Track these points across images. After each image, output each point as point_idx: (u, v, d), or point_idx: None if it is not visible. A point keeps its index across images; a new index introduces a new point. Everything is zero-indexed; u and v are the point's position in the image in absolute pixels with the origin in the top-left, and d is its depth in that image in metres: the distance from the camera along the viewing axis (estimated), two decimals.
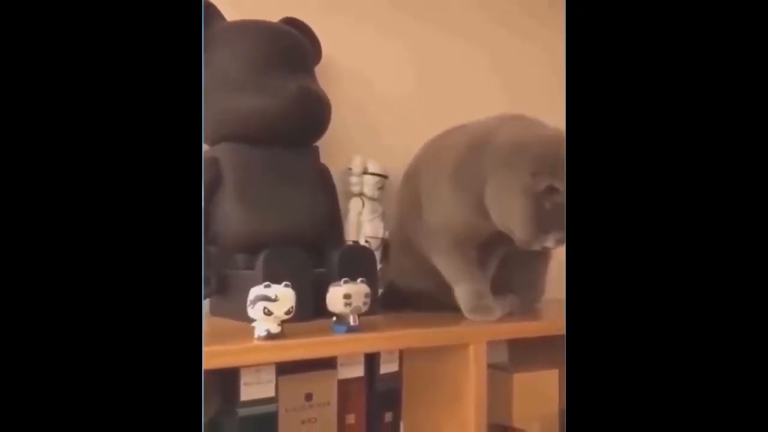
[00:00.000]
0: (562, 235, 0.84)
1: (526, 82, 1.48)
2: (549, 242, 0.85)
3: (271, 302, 0.70)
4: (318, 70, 1.06)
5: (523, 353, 1.18)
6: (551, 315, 1.03)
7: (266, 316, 0.70)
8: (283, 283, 0.72)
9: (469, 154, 0.90)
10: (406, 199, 1.02)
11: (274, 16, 1.01)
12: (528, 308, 1.02)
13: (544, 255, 1.04)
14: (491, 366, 0.98)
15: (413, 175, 1.00)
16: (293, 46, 0.97)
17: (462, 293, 0.94)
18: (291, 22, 1.03)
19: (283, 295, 0.70)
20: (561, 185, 0.80)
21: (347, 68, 1.20)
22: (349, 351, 0.86)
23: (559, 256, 1.05)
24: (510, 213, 0.84)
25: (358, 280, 0.79)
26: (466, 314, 0.93)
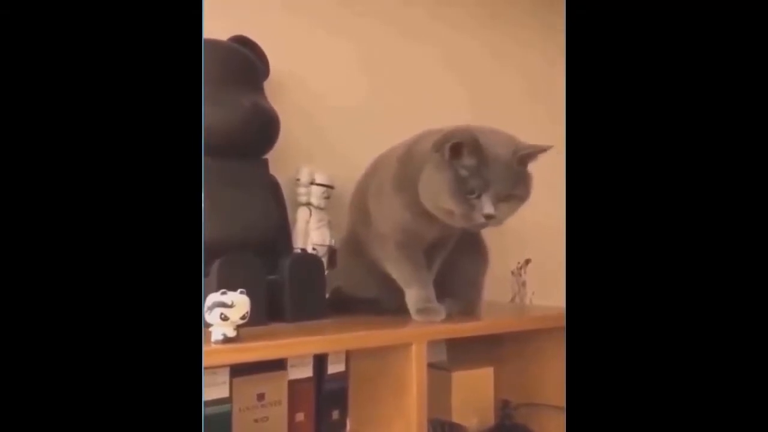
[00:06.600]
0: (495, 198, 0.87)
1: (483, 89, 1.54)
2: (486, 207, 0.86)
3: (227, 308, 0.74)
4: (267, 81, 1.10)
5: (460, 353, 1.26)
6: (487, 316, 1.09)
7: (223, 321, 0.74)
8: (239, 290, 0.76)
9: (400, 164, 0.97)
10: (356, 210, 1.08)
11: (224, 34, 1.05)
12: (469, 310, 1.08)
13: (483, 259, 1.11)
14: (431, 365, 1.05)
15: (362, 188, 1.07)
16: (244, 64, 1.02)
17: (412, 297, 1.00)
18: (240, 40, 1.07)
19: (239, 302, 0.75)
20: (463, 140, 0.85)
21: (297, 79, 1.24)
22: (299, 353, 0.91)
23: (493, 264, 1.13)
24: (437, 194, 0.89)
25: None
26: (414, 316, 0.99)
